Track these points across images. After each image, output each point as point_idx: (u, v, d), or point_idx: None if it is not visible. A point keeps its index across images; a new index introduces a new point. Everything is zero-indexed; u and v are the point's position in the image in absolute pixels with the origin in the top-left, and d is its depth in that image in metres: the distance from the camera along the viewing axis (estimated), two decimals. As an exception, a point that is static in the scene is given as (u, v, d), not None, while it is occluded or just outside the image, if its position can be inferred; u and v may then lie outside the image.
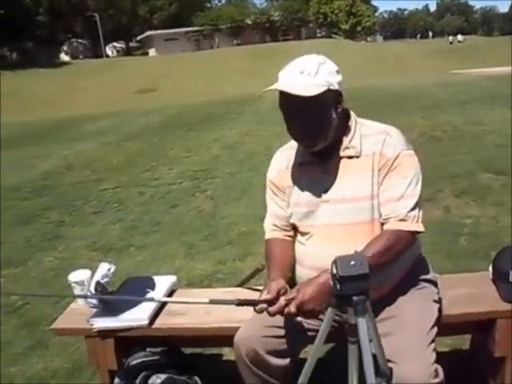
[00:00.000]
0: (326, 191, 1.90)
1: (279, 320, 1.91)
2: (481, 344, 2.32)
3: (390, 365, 1.68)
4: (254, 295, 2.38)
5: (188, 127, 12.18)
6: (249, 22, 73.45)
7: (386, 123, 1.96)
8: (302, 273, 1.98)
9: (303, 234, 2.01)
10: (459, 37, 59.31)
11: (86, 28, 67.28)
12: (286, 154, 2.04)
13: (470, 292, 2.26)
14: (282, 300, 1.71)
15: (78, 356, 2.96)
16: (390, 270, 1.86)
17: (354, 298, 1.36)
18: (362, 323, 1.36)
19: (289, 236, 2.05)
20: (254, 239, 4.60)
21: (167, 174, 7.47)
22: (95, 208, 6.09)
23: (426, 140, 7.89)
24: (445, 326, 2.14)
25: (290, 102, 1.81)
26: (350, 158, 1.88)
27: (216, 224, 5.14)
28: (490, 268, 2.34)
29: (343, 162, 1.88)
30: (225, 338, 2.25)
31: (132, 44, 79.50)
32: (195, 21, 71.61)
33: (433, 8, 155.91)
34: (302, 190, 1.96)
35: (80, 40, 71.19)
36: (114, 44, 77.44)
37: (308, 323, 1.95)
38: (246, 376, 1.98)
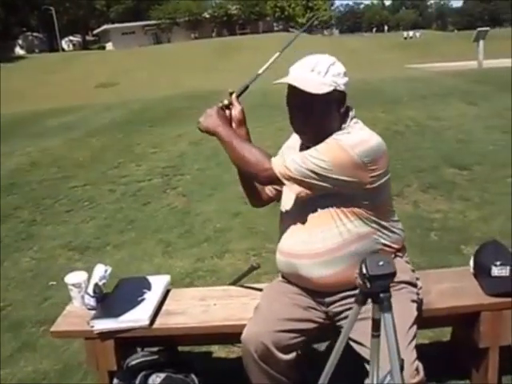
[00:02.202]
0: None
1: (286, 313, 2.02)
2: (464, 335, 2.43)
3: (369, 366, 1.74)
4: (249, 293, 2.47)
5: (151, 122, 12.08)
6: (206, 15, 73.17)
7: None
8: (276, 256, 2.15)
9: (280, 217, 2.16)
10: (410, 33, 60.63)
11: (41, 21, 65.75)
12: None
13: (453, 286, 2.37)
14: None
15: (68, 357, 2.97)
16: (344, 261, 1.95)
17: (381, 295, 1.43)
18: (388, 318, 1.43)
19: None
20: (230, 236, 4.65)
21: (136, 171, 7.40)
22: (66, 206, 6.00)
23: (389, 135, 8.04)
24: (431, 319, 2.25)
25: (297, 97, 1.92)
26: None
27: (191, 221, 5.15)
28: (471, 263, 2.45)
29: None
30: (224, 335, 2.32)
31: (88, 38, 78.14)
32: (152, 14, 70.84)
33: (388, 2, 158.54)
34: None
35: (35, 34, 69.50)
36: (71, 38, 75.85)
37: (312, 315, 2.06)
38: (252, 372, 2.04)
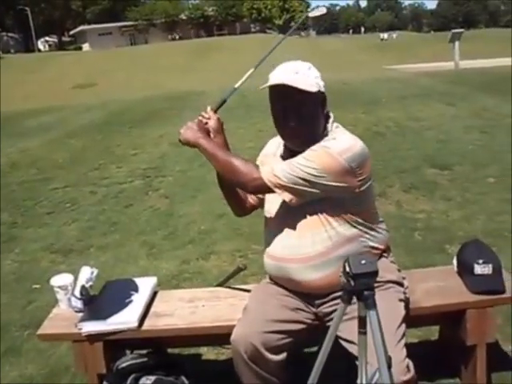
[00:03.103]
0: None
1: (275, 314, 2.03)
2: (451, 334, 2.46)
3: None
4: (237, 294, 2.47)
5: (131, 124, 12.06)
6: (183, 17, 73.13)
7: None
8: (265, 260, 2.15)
9: (265, 222, 2.16)
10: (386, 35, 61.25)
11: (16, 21, 65.24)
12: (277, 142, 2.14)
13: (438, 285, 2.40)
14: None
15: (55, 361, 2.93)
16: (333, 264, 1.95)
17: (365, 293, 1.45)
18: (373, 316, 1.45)
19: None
20: (215, 237, 4.64)
21: (117, 173, 7.36)
22: (47, 208, 5.94)
23: (370, 135, 8.13)
24: (418, 317, 2.27)
25: (288, 98, 1.90)
26: None
27: (174, 223, 5.13)
28: (455, 262, 2.48)
29: None
30: (213, 336, 2.32)
31: (65, 38, 77.59)
32: (129, 15, 70.64)
33: (363, 4, 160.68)
34: None
35: (10, 34, 68.86)
36: (47, 38, 75.37)
37: (300, 316, 2.07)
38: (242, 373, 2.04)
